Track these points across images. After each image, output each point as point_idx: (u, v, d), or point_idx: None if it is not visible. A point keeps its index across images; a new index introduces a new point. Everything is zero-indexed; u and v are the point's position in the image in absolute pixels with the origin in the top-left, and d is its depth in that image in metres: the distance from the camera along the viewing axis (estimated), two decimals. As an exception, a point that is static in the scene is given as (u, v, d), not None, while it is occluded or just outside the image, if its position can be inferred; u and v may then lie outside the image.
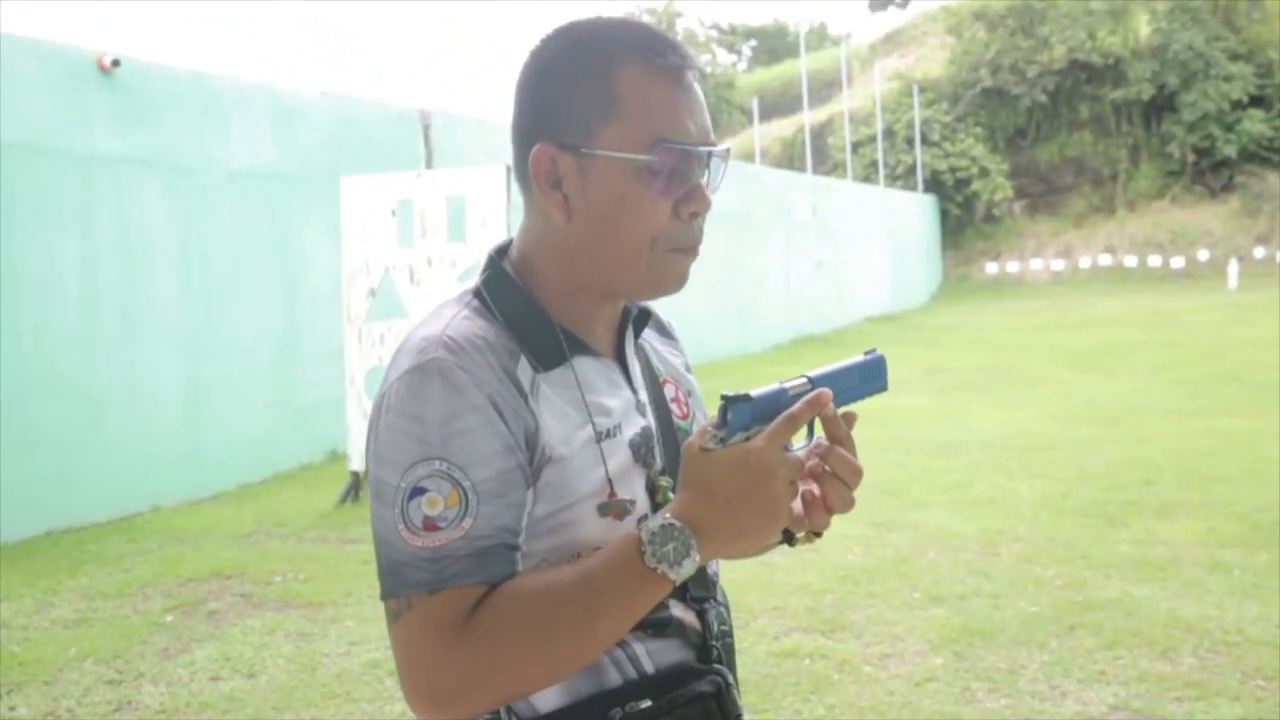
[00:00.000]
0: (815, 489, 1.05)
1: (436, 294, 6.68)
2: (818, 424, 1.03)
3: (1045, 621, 4.27)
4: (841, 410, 1.03)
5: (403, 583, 0.95)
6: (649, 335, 1.26)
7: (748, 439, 0.96)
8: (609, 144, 1.02)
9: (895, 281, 26.78)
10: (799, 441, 1.02)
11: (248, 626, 4.65)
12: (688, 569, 0.94)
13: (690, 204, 1.05)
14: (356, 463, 6.99)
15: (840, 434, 1.03)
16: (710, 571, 1.15)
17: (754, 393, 0.98)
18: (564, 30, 1.07)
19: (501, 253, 1.13)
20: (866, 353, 1.09)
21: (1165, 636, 4.03)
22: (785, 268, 19.93)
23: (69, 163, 6.97)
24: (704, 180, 1.06)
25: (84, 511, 6.75)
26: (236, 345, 8.14)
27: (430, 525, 0.94)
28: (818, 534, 1.09)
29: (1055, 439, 8.41)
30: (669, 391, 1.20)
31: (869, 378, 1.07)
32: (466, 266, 6.59)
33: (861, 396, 1.07)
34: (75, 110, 7.07)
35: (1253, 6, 32.06)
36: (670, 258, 1.06)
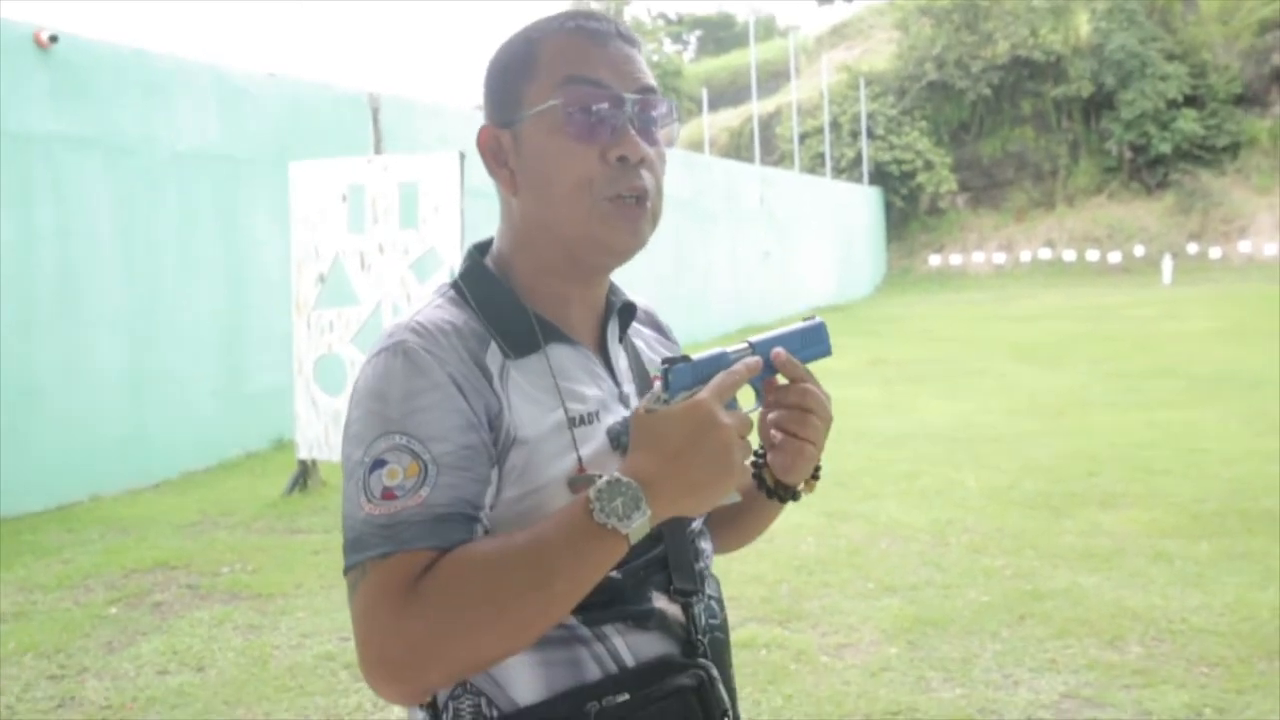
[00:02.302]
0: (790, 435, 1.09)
1: (388, 280, 6.59)
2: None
3: (996, 611, 4.34)
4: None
5: (359, 551, 0.94)
6: (644, 332, 1.26)
7: (690, 397, 0.97)
8: (530, 104, 1.05)
9: (841, 272, 27.04)
10: (748, 406, 1.03)
11: (195, 619, 4.56)
12: (639, 523, 0.93)
13: (617, 147, 1.03)
14: (305, 451, 6.88)
15: (797, 374, 1.06)
16: (699, 565, 1.14)
17: (694, 356, 1.01)
18: (511, 33, 1.12)
19: (482, 249, 1.14)
20: (806, 319, 1.11)
21: (1112, 625, 4.12)
22: (732, 257, 20.02)
23: (5, 141, 6.74)
24: (639, 130, 1.05)
25: (20, 501, 6.56)
26: (180, 330, 7.96)
27: (388, 495, 0.94)
28: (815, 478, 1.14)
29: (1000, 431, 8.55)
30: (658, 386, 1.18)
31: (810, 342, 1.09)
32: (419, 254, 6.50)
33: (804, 361, 1.08)
34: (11, 87, 6.84)
35: (1188, 8, 32.83)
36: (611, 207, 1.04)
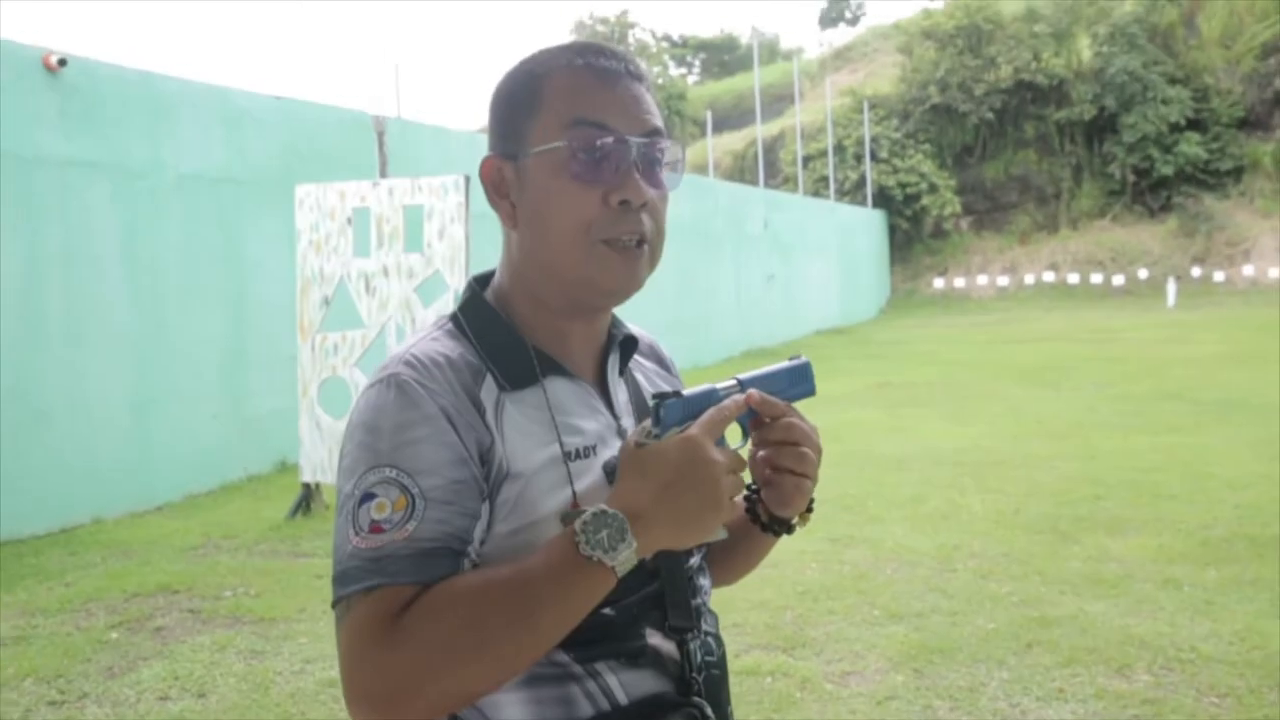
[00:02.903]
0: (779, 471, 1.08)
1: (392, 304, 6.59)
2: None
3: (1003, 639, 4.31)
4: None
5: (345, 584, 0.94)
6: (645, 365, 1.25)
7: (681, 432, 0.98)
8: (535, 141, 1.04)
9: (844, 295, 27.05)
10: (735, 443, 1.03)
11: (197, 644, 4.53)
12: (625, 555, 0.93)
13: (619, 191, 1.02)
14: (309, 474, 6.87)
15: (776, 411, 1.06)
16: (696, 601, 1.12)
17: (685, 391, 1.01)
18: (519, 62, 1.11)
19: (483, 281, 1.14)
20: (792, 358, 1.12)
21: (1120, 654, 4.09)
22: (736, 281, 20.03)
23: (12, 164, 6.77)
24: (643, 174, 1.04)
25: (22, 523, 6.54)
26: (184, 353, 7.96)
27: (376, 528, 0.94)
28: (809, 510, 1.13)
29: (1005, 454, 8.52)
30: None
31: (796, 381, 1.10)
32: (424, 277, 6.51)
33: (790, 400, 1.09)
34: (20, 110, 6.87)
35: (1189, 33, 32.97)
36: (608, 250, 1.03)
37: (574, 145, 1.02)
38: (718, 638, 1.15)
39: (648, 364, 1.26)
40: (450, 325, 1.09)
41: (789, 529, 1.14)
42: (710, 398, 1.02)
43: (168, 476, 7.65)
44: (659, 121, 1.07)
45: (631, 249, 1.04)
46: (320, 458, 6.77)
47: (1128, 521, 6.16)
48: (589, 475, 1.05)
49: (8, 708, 3.90)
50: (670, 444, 0.96)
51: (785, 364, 1.11)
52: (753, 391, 1.04)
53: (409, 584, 0.92)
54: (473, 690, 0.93)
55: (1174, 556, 5.38)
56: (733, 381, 1.05)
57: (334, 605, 0.96)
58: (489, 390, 1.02)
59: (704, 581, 1.16)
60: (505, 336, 1.07)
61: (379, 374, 1.01)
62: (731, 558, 1.24)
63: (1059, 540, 5.81)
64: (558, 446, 1.04)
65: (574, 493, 1.02)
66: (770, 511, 1.12)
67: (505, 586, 0.92)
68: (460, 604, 0.91)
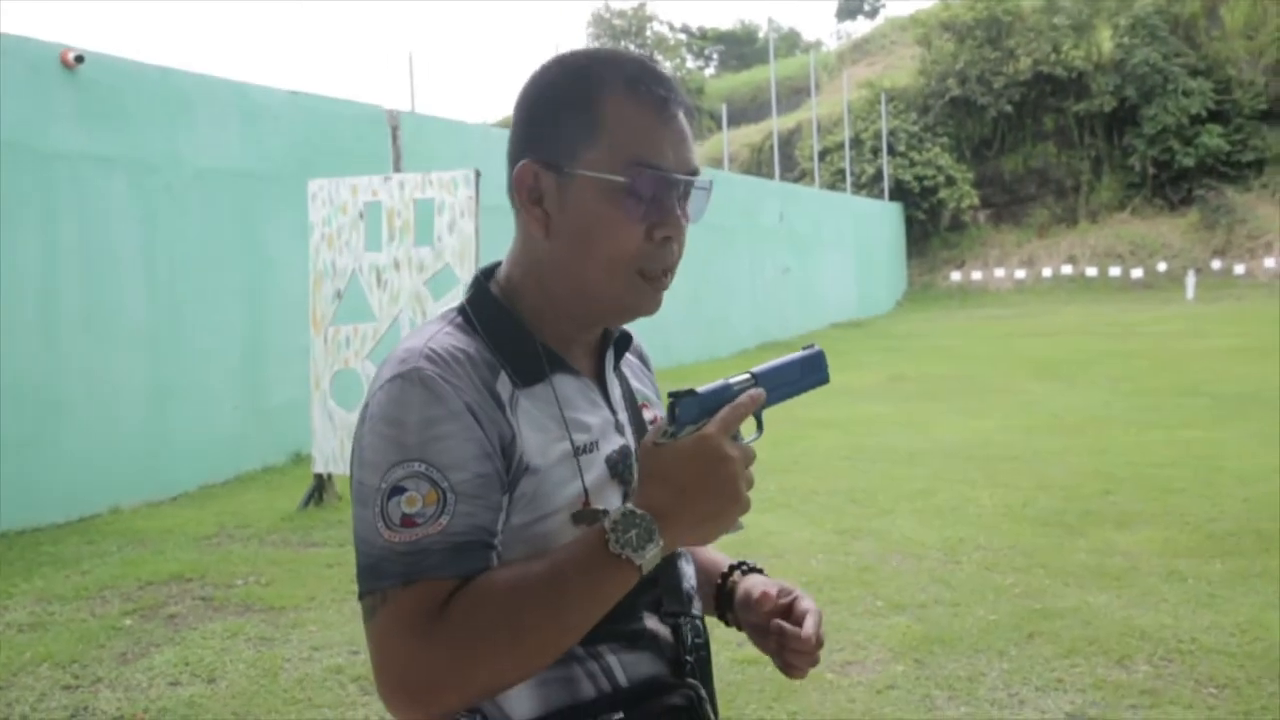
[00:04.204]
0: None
1: (403, 297, 6.66)
2: (765, 418, 1.09)
3: (1005, 629, 4.33)
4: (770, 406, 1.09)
5: (378, 577, 0.96)
6: (631, 361, 1.29)
7: (698, 430, 1.00)
8: (589, 165, 1.05)
9: (861, 288, 26.97)
10: (749, 435, 1.06)
11: (208, 631, 4.61)
12: (652, 554, 0.97)
13: (664, 228, 1.07)
14: (321, 465, 6.95)
15: (798, 613, 1.20)
16: (686, 586, 1.18)
17: (700, 388, 1.02)
18: (561, 58, 1.11)
19: (488, 274, 1.16)
20: (805, 348, 1.14)
21: (1121, 645, 4.10)
22: (752, 273, 20.02)
23: (31, 159, 6.87)
24: (681, 209, 1.08)
25: (41, 512, 6.65)
26: (200, 345, 8.06)
27: (408, 522, 0.96)
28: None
29: (1018, 448, 8.51)
30: (648, 414, 1.23)
31: (809, 371, 1.12)
32: (434, 271, 6.57)
33: (804, 389, 1.12)
34: (39, 106, 6.97)
35: (1211, 24, 32.63)
36: (642, 280, 1.08)
37: (634, 185, 1.04)
38: (703, 620, 1.20)
39: (633, 360, 1.30)
40: (459, 319, 1.11)
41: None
42: (724, 393, 1.03)
43: (184, 467, 7.75)
44: (696, 158, 1.11)
45: (661, 278, 1.10)
46: (332, 449, 6.85)
47: (1135, 515, 6.15)
48: (595, 469, 1.09)
49: (24, 692, 3.98)
50: (688, 444, 0.99)
51: (798, 354, 1.12)
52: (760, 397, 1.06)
53: (446, 578, 0.96)
54: (505, 682, 0.98)
55: (1180, 550, 5.39)
56: (746, 375, 1.06)
57: (361, 597, 0.98)
58: (504, 385, 1.05)
59: (688, 567, 1.21)
60: (515, 333, 1.10)
61: (398, 367, 1.02)
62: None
63: (1066, 533, 5.82)
64: (568, 442, 1.08)
65: (584, 486, 1.07)
66: (738, 620, 1.26)
67: (538, 582, 0.96)
68: (497, 599, 0.96)
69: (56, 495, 6.78)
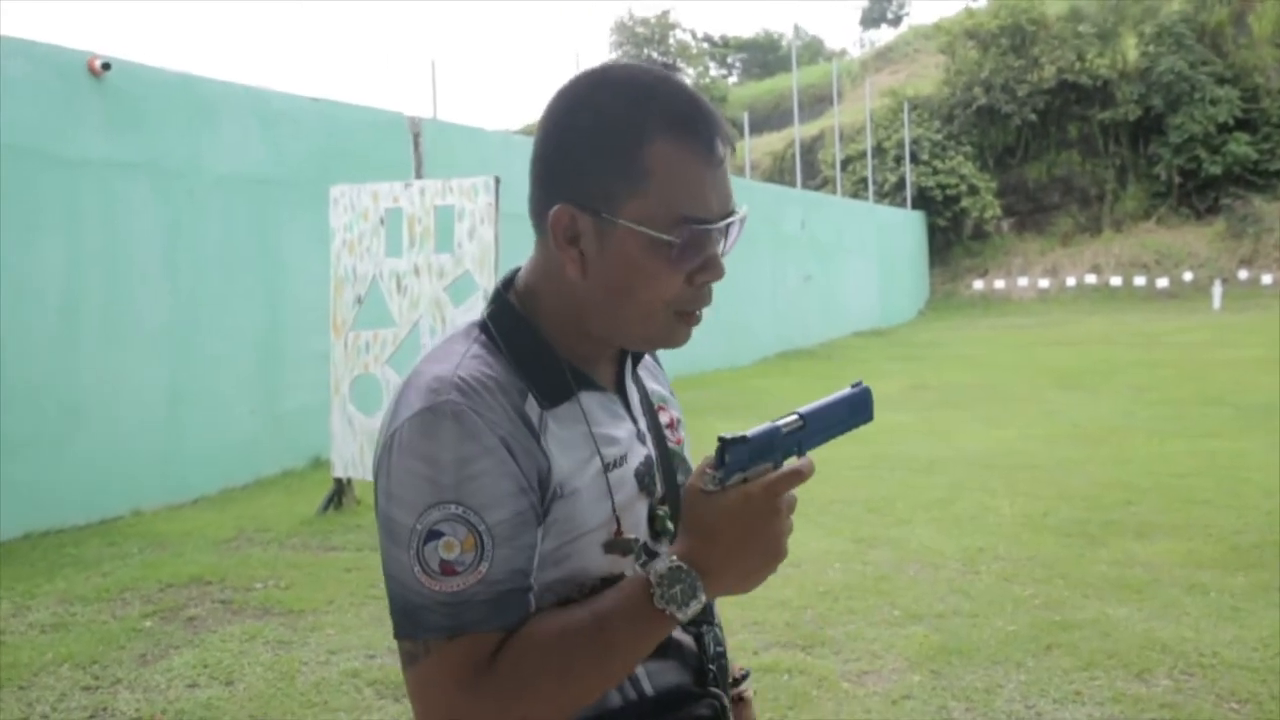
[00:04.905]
0: None
1: (423, 303, 6.68)
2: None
3: (1023, 641, 4.29)
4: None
5: (420, 626, 0.96)
6: (646, 360, 1.29)
7: (745, 479, 0.99)
8: (632, 215, 1.01)
9: (883, 297, 26.87)
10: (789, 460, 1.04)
11: (227, 633, 4.64)
12: (694, 609, 0.98)
13: (705, 274, 1.06)
14: (340, 470, 6.98)
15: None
16: None
17: (749, 433, 1.00)
18: (599, 82, 1.05)
19: (508, 285, 1.13)
20: (853, 385, 1.11)
21: (1141, 658, 4.06)
22: (773, 282, 19.97)
23: (57, 166, 6.95)
24: (720, 248, 1.06)
25: (63, 514, 6.72)
26: (221, 350, 8.12)
27: (448, 569, 0.95)
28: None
29: (1039, 458, 8.45)
30: (664, 418, 1.23)
31: (856, 410, 1.10)
32: (454, 277, 6.59)
33: (850, 428, 1.10)
34: (66, 114, 7.05)
35: (1239, 31, 32.35)
36: (677, 319, 1.08)
37: (683, 245, 1.02)
38: (721, 628, 1.21)
39: (647, 358, 1.29)
40: (484, 338, 1.08)
41: None
42: (774, 437, 1.01)
43: (204, 470, 7.80)
44: (734, 197, 1.08)
45: (695, 315, 1.09)
46: (351, 453, 6.88)
47: (1157, 526, 6.09)
48: (625, 486, 1.09)
49: (44, 692, 4.02)
50: (736, 500, 0.97)
51: (845, 392, 1.10)
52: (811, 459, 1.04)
53: (492, 631, 0.96)
54: None
55: (1203, 562, 5.33)
56: (795, 417, 1.04)
57: (399, 638, 0.98)
58: (533, 409, 1.03)
59: None
60: (540, 351, 1.07)
61: (428, 398, 0.99)
62: None
63: (1086, 544, 5.77)
64: (598, 460, 1.07)
65: (614, 505, 1.07)
66: None
67: (584, 633, 0.97)
68: (543, 651, 0.96)
69: (78, 497, 6.85)
